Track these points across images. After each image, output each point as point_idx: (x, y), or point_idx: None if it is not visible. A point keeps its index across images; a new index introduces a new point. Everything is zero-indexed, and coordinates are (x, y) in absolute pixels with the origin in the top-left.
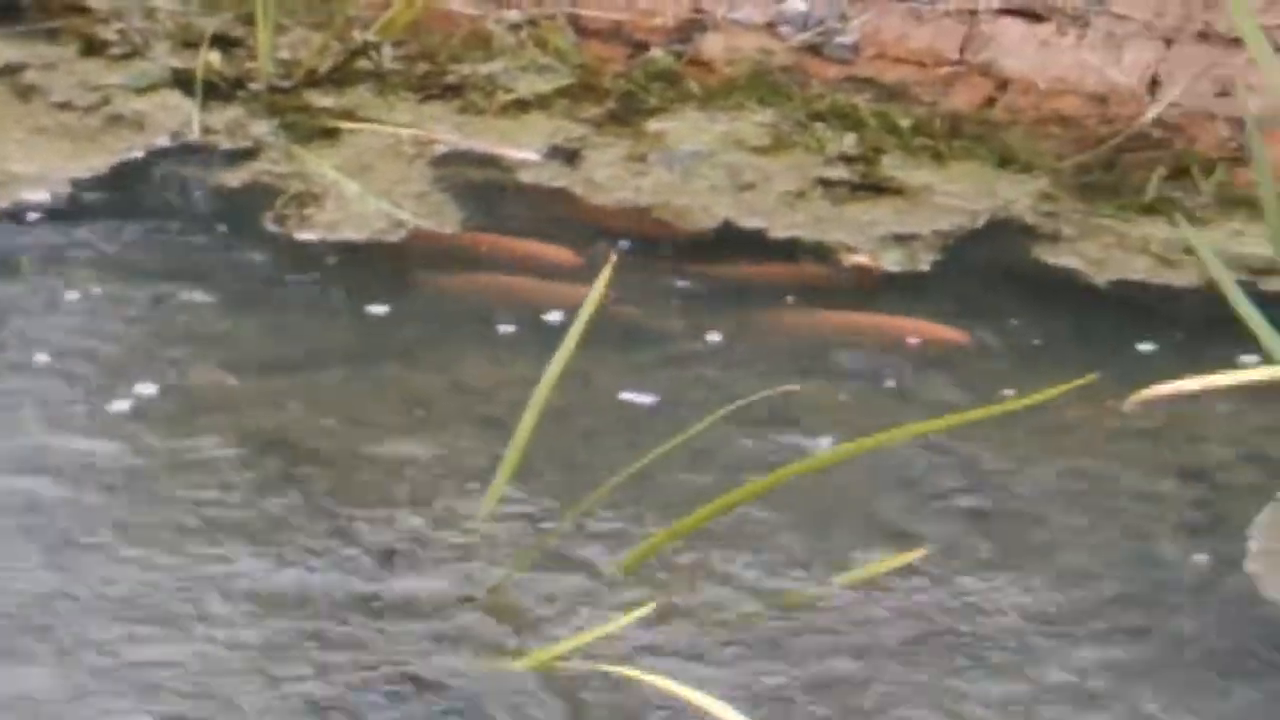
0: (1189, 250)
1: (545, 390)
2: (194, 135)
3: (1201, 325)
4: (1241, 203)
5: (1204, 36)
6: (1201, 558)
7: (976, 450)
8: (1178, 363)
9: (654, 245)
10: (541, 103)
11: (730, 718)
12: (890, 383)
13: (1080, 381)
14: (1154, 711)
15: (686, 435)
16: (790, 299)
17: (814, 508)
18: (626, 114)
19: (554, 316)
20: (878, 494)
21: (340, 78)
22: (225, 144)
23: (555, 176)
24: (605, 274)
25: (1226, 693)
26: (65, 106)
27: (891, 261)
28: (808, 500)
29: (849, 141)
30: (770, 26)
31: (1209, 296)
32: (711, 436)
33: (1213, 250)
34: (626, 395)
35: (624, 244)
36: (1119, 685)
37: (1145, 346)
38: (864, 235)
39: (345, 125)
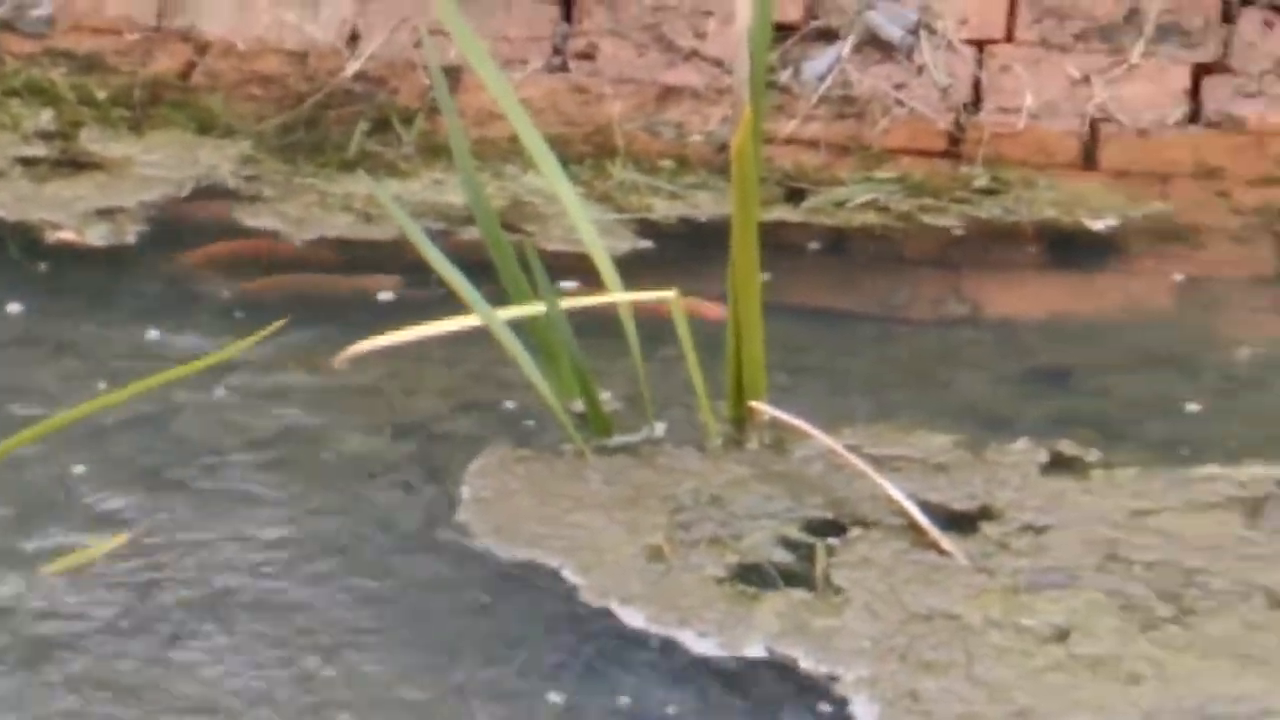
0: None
1: None
2: None
3: (416, 275)
4: (443, 152)
5: None
6: (417, 511)
7: (187, 419)
8: (399, 315)
9: None
10: None
11: None
12: None
13: (265, 332)
14: (382, 658)
15: None
16: None
17: (26, 492)
18: None
19: None
20: (88, 473)
21: None
22: None
23: None
24: None
25: (446, 634)
26: None
27: (98, 236)
28: (17, 484)
29: (46, 118)
30: None
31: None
32: None
33: (413, 201)
34: None
35: None
36: (347, 642)
37: (384, 297)
38: (68, 212)
39: None
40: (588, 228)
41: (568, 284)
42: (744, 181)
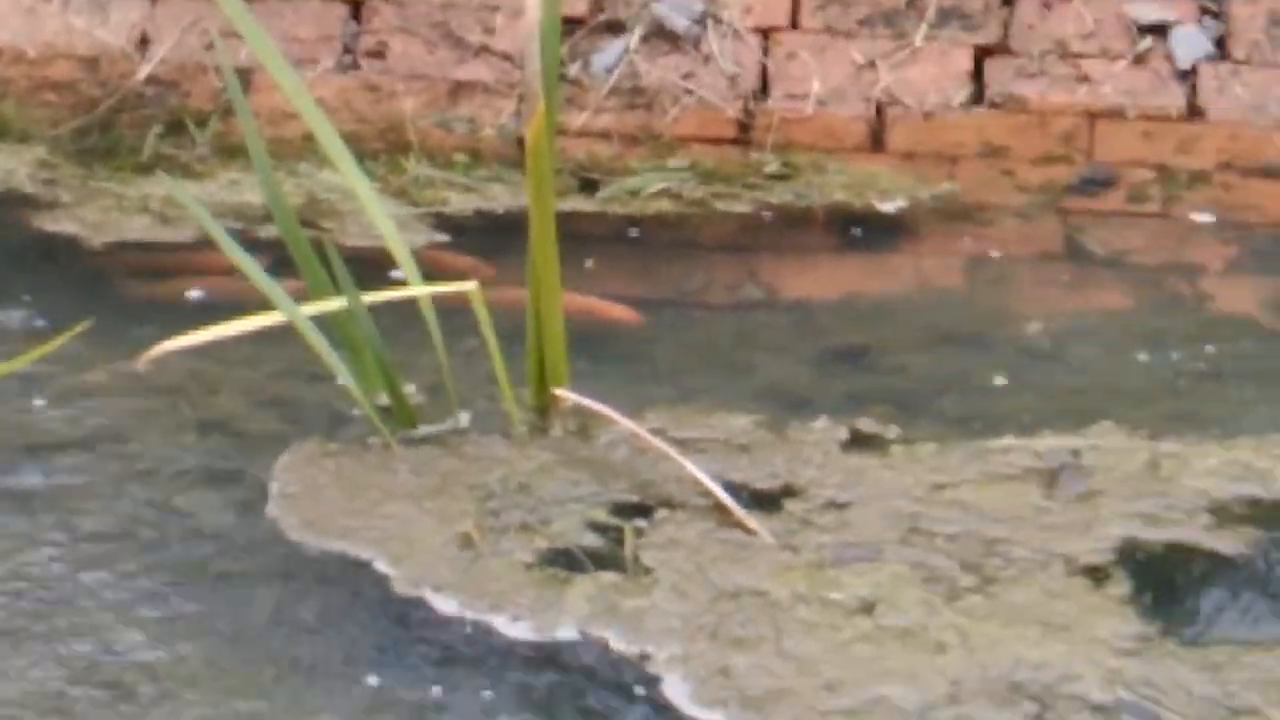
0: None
1: None
2: None
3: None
4: (237, 152)
5: None
6: (226, 507)
7: None
8: (205, 315)
9: None
10: None
11: None
12: None
13: (71, 332)
14: (196, 651)
15: None
16: None
17: None
18: None
19: None
20: None
21: None
22: None
23: None
24: None
25: (259, 626)
26: None
27: None
28: None
29: None
30: None
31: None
32: None
33: (210, 202)
34: None
35: None
36: (161, 637)
37: (193, 295)
38: None
39: None
40: (386, 222)
41: (399, 275)
42: (539, 173)
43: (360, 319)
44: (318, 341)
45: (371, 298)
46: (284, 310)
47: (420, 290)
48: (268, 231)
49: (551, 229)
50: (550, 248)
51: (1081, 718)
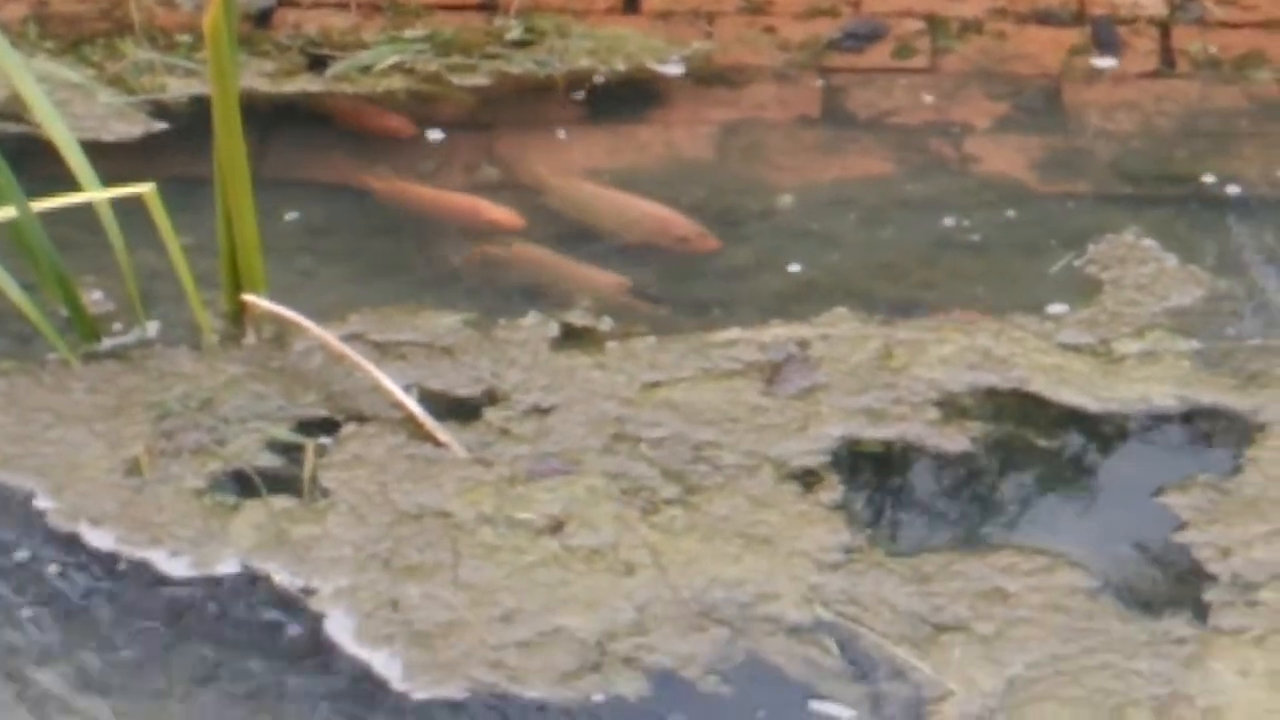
0: None
1: None
2: None
3: None
4: None
5: None
6: None
7: None
8: None
9: None
10: None
11: None
12: None
13: None
14: None
15: None
16: None
17: None
18: None
19: None
20: None
21: None
22: None
23: None
24: None
25: None
26: None
27: None
28: None
29: None
30: None
31: None
32: None
33: None
34: None
35: None
36: None
37: None
38: None
39: None
40: (57, 125)
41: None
42: (219, 59)
43: (29, 225)
44: None
45: (43, 205)
46: None
47: (95, 195)
48: None
49: (236, 121)
50: (236, 141)
51: (775, 641)
